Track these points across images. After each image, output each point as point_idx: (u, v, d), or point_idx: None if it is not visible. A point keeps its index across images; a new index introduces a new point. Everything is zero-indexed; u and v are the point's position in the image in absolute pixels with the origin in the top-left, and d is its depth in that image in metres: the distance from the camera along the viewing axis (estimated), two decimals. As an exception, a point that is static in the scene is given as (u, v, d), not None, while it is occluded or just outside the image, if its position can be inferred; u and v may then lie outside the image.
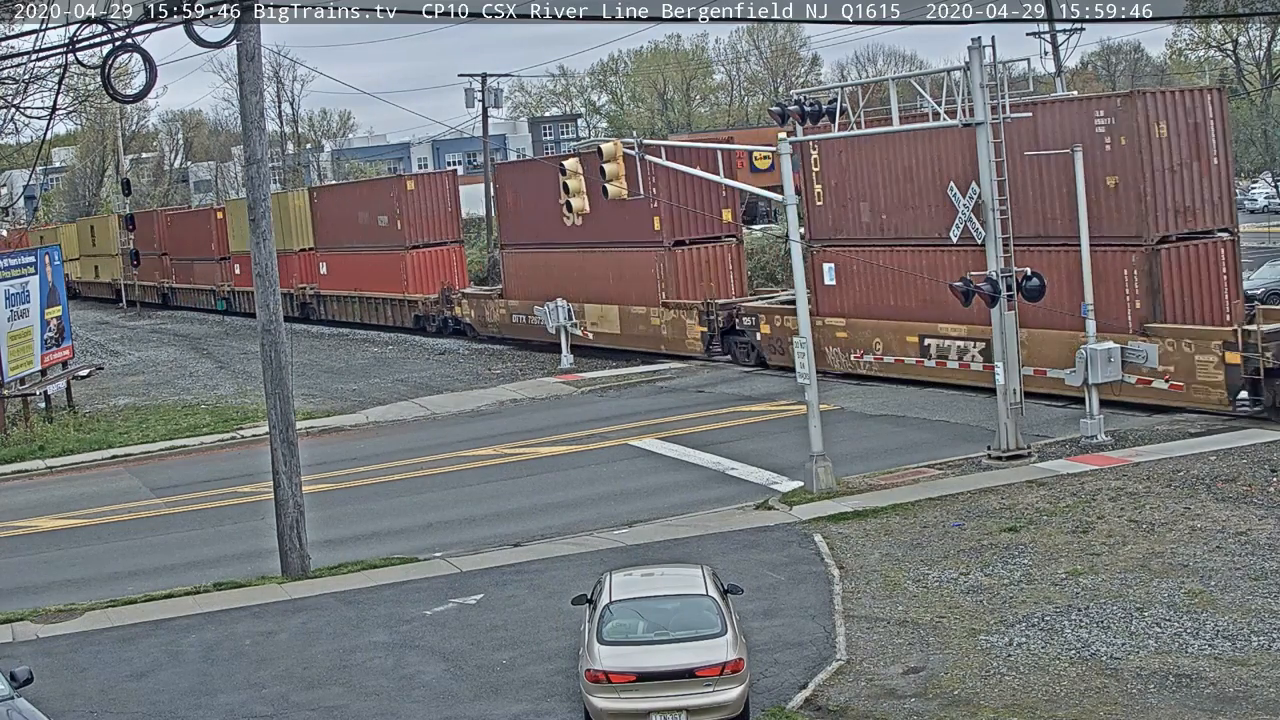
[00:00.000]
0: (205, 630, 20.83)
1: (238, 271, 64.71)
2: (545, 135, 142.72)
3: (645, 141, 31.07)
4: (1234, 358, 27.65)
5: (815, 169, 36.71)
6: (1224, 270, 30.07)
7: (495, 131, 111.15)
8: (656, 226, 41.32)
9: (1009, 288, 26.84)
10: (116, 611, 22.12)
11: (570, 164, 29.89)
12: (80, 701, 18.24)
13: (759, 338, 38.56)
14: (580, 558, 22.89)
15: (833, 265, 36.39)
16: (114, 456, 35.80)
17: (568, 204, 30.00)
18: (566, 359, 43.74)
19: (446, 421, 37.35)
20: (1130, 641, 17.28)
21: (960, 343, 32.79)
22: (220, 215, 68.25)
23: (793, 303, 35.31)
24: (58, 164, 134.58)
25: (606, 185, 28.38)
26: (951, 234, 28.05)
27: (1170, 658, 16.70)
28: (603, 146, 28.58)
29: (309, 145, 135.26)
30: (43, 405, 41.27)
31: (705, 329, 40.33)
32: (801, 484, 26.18)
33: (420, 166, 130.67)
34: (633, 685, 15.28)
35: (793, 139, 27.62)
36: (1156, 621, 17.82)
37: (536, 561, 22.99)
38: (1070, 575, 19.85)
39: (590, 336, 43.89)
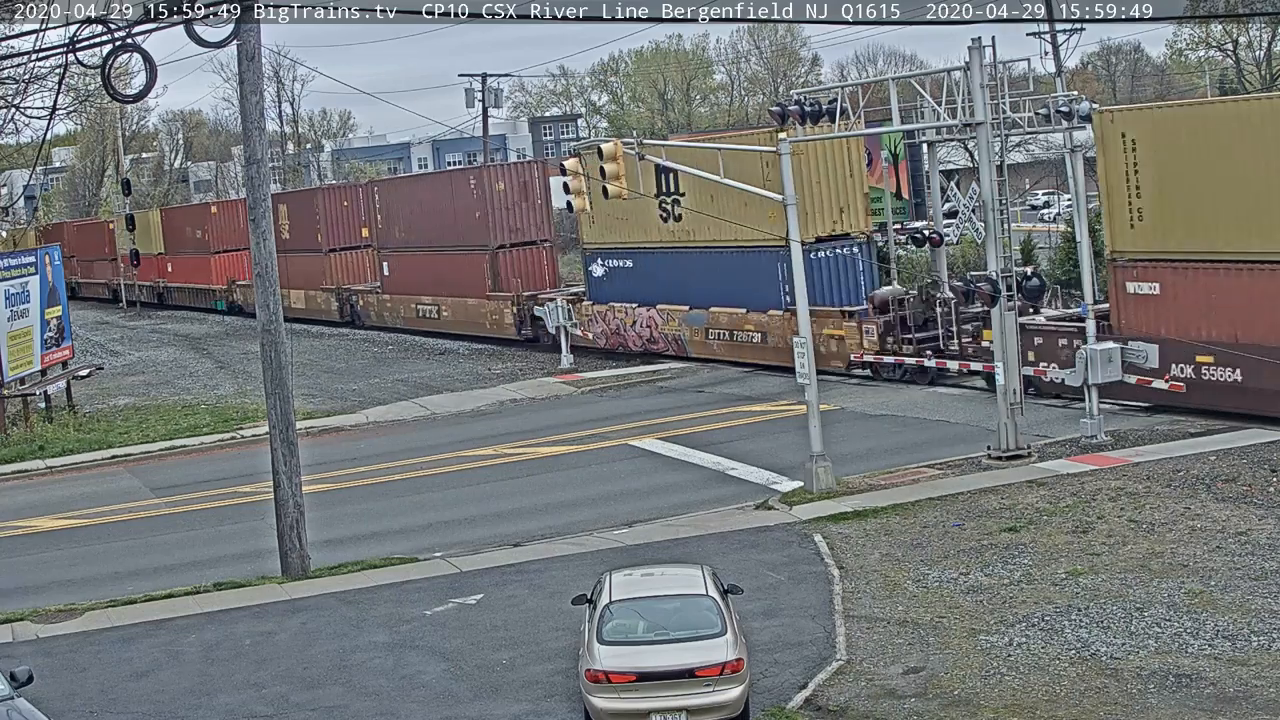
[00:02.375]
0: (205, 630, 20.83)
1: (122, 269, 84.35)
2: (545, 135, 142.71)
3: (645, 141, 31.05)
4: (513, 309, 48.20)
5: (378, 204, 56.80)
6: (545, 264, 50.04)
7: (495, 131, 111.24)
8: (319, 239, 61.84)
9: (1008, 288, 26.86)
10: (116, 611, 22.12)
11: (571, 164, 29.99)
12: (80, 701, 18.24)
13: (360, 306, 59.78)
14: (580, 558, 22.88)
15: (387, 263, 56.63)
16: (114, 456, 35.79)
17: (568, 204, 30.00)
18: (566, 359, 43.82)
19: (446, 421, 37.35)
20: (1130, 641, 17.28)
21: (431, 307, 53.39)
22: (111, 226, 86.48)
23: (374, 288, 58.58)
24: (58, 164, 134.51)
25: (606, 185, 28.33)
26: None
27: (1170, 658, 16.70)
28: (603, 147, 28.55)
29: (309, 145, 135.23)
30: (43, 405, 41.23)
31: (339, 303, 61.41)
32: (801, 484, 26.18)
33: (420, 166, 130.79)
34: (633, 685, 15.27)
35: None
36: (1156, 621, 17.82)
37: (536, 561, 22.99)
38: (1070, 575, 19.85)
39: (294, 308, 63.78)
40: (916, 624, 18.58)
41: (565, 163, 30.33)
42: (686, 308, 40.94)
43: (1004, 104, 27.05)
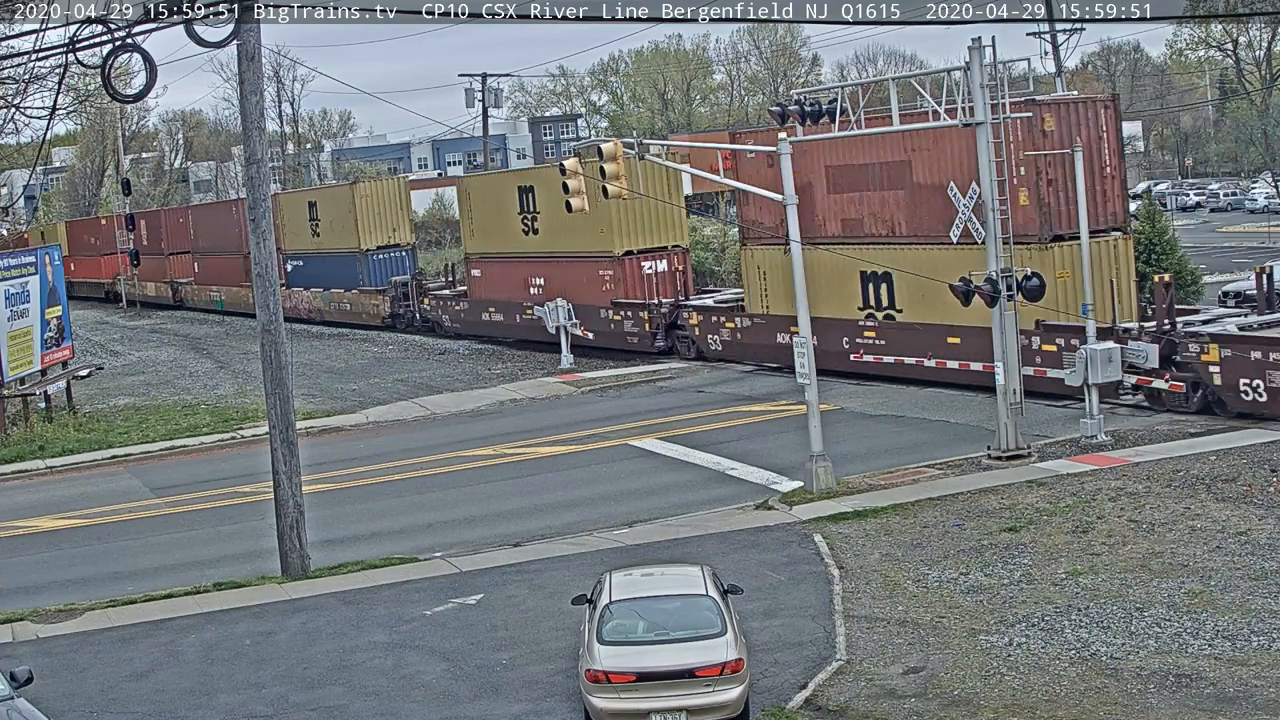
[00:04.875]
0: (205, 630, 20.83)
1: None
2: (545, 135, 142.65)
3: (644, 141, 31.11)
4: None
5: (192, 222, 76.61)
6: (281, 264, 61.25)
7: (495, 131, 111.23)
8: (162, 245, 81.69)
9: (1008, 288, 26.86)
10: (116, 611, 22.12)
11: (570, 164, 30.12)
12: (80, 701, 18.24)
13: (183, 294, 79.09)
14: (580, 558, 22.89)
15: (197, 264, 75.79)
16: (114, 456, 35.79)
17: (567, 204, 30.04)
18: (566, 359, 43.85)
19: (446, 421, 37.35)
20: (1130, 641, 17.28)
21: (218, 294, 73.98)
22: (27, 239, 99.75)
23: (189, 281, 79.16)
24: (58, 164, 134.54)
25: (606, 185, 28.37)
26: None
27: (1170, 658, 16.70)
28: (603, 147, 28.58)
29: (309, 145, 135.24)
30: (43, 405, 41.23)
31: (171, 291, 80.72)
32: (801, 484, 26.18)
33: (420, 166, 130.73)
34: (633, 685, 15.27)
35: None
36: (1156, 621, 17.83)
37: (536, 561, 22.99)
38: (1070, 575, 19.85)
39: (146, 295, 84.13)
40: (916, 624, 18.58)
41: (565, 163, 30.44)
42: (323, 289, 62.93)
43: (1004, 104, 27.01)
